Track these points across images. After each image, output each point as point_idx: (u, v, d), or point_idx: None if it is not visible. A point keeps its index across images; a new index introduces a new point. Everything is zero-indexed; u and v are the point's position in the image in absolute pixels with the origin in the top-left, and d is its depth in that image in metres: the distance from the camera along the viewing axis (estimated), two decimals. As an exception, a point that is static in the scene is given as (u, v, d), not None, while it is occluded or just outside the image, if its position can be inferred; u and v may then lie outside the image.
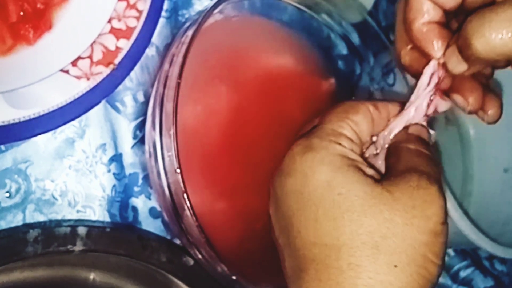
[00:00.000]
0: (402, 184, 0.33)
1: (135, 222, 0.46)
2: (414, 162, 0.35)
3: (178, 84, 0.38)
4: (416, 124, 0.39)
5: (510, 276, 0.65)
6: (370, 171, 0.35)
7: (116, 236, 0.40)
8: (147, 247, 0.41)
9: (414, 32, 0.36)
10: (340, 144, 0.36)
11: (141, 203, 0.47)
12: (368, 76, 0.52)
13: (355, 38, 0.50)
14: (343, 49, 0.51)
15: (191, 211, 0.38)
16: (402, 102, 0.39)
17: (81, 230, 0.39)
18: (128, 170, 0.46)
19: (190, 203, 0.38)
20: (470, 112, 0.38)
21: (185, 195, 0.38)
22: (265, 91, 0.46)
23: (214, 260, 0.39)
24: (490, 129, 0.63)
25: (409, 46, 0.38)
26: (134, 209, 0.46)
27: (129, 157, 0.46)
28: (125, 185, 0.46)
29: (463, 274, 0.63)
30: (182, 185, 0.38)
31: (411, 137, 0.38)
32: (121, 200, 0.46)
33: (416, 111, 0.39)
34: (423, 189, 0.33)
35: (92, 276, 0.41)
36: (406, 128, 0.38)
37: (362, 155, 0.37)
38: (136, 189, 0.47)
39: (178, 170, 0.38)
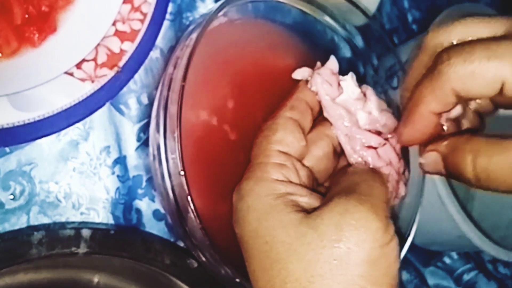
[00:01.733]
0: (328, 214, 0.31)
1: (139, 224, 0.46)
2: (347, 182, 0.34)
3: (183, 87, 0.38)
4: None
5: (513, 279, 0.64)
6: (306, 200, 0.34)
7: (120, 239, 0.40)
8: (150, 250, 0.41)
9: (418, 110, 0.35)
10: (268, 179, 0.34)
11: (145, 205, 0.47)
12: (372, 79, 0.52)
13: (359, 41, 0.50)
14: (347, 52, 0.51)
15: (195, 213, 0.38)
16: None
17: (85, 233, 0.39)
18: (132, 173, 0.46)
19: (194, 205, 0.38)
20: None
21: (189, 198, 0.38)
22: (269, 94, 0.46)
23: (218, 262, 0.39)
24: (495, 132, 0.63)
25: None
26: (138, 211, 0.46)
27: (133, 160, 0.47)
28: (129, 188, 0.46)
29: (466, 277, 0.63)
30: (186, 187, 0.38)
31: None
32: (125, 203, 0.46)
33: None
34: (350, 214, 0.31)
35: (96, 278, 0.41)
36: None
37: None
38: (140, 191, 0.47)
39: (182, 173, 0.38)
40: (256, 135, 0.37)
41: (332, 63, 0.40)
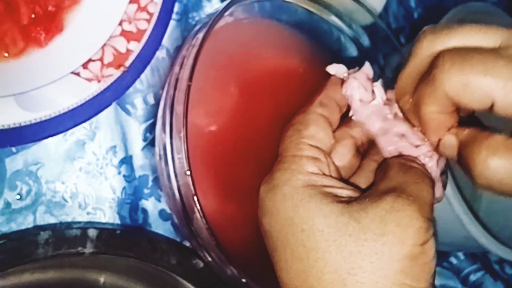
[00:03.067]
0: (373, 209, 0.31)
1: (145, 224, 0.46)
2: (398, 180, 0.33)
3: (189, 87, 0.38)
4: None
5: (520, 280, 0.64)
6: (343, 192, 0.33)
7: (126, 239, 0.40)
8: (157, 250, 0.41)
9: (420, 113, 0.35)
10: (303, 171, 0.34)
11: (151, 205, 0.47)
12: (378, 79, 0.52)
13: (365, 40, 0.50)
14: (353, 52, 0.51)
15: (201, 213, 0.38)
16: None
17: (92, 232, 0.39)
18: (138, 172, 0.46)
19: (200, 205, 0.38)
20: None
21: (195, 198, 0.38)
22: (275, 94, 0.46)
23: (224, 262, 0.39)
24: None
25: (409, 100, 0.36)
26: (144, 211, 0.46)
27: (139, 159, 0.47)
28: (135, 187, 0.46)
29: (473, 277, 0.63)
30: (192, 187, 0.38)
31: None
32: (131, 202, 0.46)
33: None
34: (396, 211, 0.31)
35: (102, 278, 0.41)
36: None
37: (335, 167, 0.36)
38: (146, 191, 0.47)
39: (188, 173, 0.38)
40: (285, 128, 0.37)
41: (368, 68, 0.40)
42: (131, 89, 0.45)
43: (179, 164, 0.39)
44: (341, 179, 0.37)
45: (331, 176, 0.35)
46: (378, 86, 0.39)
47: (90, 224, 0.43)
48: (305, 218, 0.32)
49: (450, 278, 0.62)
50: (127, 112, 0.46)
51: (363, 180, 0.37)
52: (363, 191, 0.34)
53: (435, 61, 0.33)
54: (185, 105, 0.38)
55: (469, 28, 0.33)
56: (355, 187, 0.36)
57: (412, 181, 0.33)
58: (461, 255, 0.63)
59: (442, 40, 0.33)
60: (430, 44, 0.34)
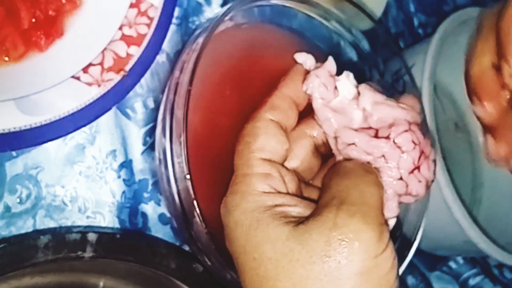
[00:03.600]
0: (317, 229, 0.30)
1: (145, 228, 0.46)
2: (338, 186, 0.32)
3: (189, 91, 0.38)
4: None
5: (519, 284, 0.64)
6: (295, 210, 0.32)
7: (126, 243, 0.40)
8: (156, 254, 0.41)
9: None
10: (253, 192, 0.32)
11: (151, 209, 0.47)
12: (378, 84, 0.52)
13: (365, 45, 0.50)
14: (353, 56, 0.51)
15: (200, 218, 0.38)
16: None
17: (91, 237, 0.39)
18: (138, 176, 0.46)
19: (199, 209, 0.38)
20: None
21: (194, 202, 0.38)
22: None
23: (223, 267, 0.39)
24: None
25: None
26: (144, 215, 0.46)
27: (139, 163, 0.47)
28: (135, 191, 0.46)
29: (472, 282, 0.62)
30: (191, 192, 0.38)
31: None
32: (131, 206, 0.46)
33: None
34: (339, 228, 0.29)
35: (101, 282, 0.41)
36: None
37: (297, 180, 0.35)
38: (145, 195, 0.47)
39: (188, 177, 0.38)
40: (237, 141, 0.35)
41: (330, 64, 0.38)
42: (131, 93, 0.45)
43: (179, 169, 0.39)
44: (301, 184, 0.36)
45: (284, 192, 0.34)
46: (342, 80, 0.38)
47: (90, 228, 0.43)
48: (255, 246, 0.31)
49: (450, 282, 0.62)
50: (127, 116, 0.46)
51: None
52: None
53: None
54: (185, 110, 0.38)
55: None
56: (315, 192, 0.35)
57: (352, 185, 0.32)
58: (460, 259, 0.63)
59: None
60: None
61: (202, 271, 0.42)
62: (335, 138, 0.37)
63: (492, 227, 0.54)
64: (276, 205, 0.32)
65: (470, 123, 0.66)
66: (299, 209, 0.32)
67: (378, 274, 0.30)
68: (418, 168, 0.36)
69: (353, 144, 0.36)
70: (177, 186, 0.39)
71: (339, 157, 0.37)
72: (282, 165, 0.35)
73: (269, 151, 0.34)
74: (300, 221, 0.31)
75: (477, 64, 0.36)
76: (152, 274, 0.40)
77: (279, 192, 0.33)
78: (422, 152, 0.36)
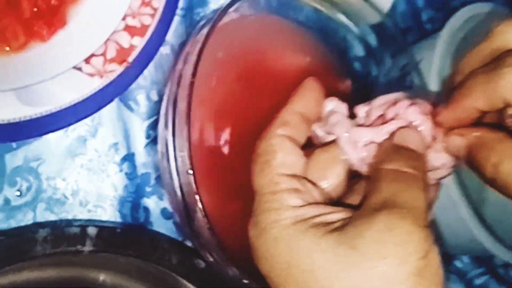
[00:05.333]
0: (368, 231, 0.29)
1: (147, 222, 0.46)
2: (388, 191, 0.31)
3: (192, 83, 0.37)
4: (404, 128, 0.35)
5: (525, 284, 0.63)
6: (334, 216, 0.32)
7: (126, 237, 0.39)
8: (157, 249, 0.40)
9: (461, 104, 0.34)
10: (287, 208, 0.32)
11: (153, 203, 0.46)
12: (385, 78, 0.51)
13: (372, 39, 0.49)
14: (360, 51, 0.50)
15: (203, 213, 0.37)
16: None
17: (91, 230, 0.38)
18: (140, 170, 0.46)
19: (202, 204, 0.37)
20: None
21: (196, 197, 0.37)
22: (280, 91, 0.45)
23: (225, 263, 0.39)
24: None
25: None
26: (146, 209, 0.46)
27: (142, 157, 0.46)
28: (137, 185, 0.45)
29: (477, 281, 0.62)
30: (194, 186, 0.37)
31: (392, 151, 0.34)
32: (133, 200, 0.45)
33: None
34: (391, 230, 0.29)
35: (101, 277, 0.40)
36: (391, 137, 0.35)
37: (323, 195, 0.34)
38: (148, 189, 0.46)
39: (191, 171, 0.37)
40: (253, 161, 0.35)
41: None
42: (134, 85, 0.45)
43: (181, 163, 0.38)
44: (328, 200, 0.35)
45: (316, 202, 0.33)
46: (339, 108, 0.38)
47: (91, 222, 0.42)
48: (303, 258, 0.30)
49: (455, 281, 0.61)
50: (130, 108, 0.46)
51: (357, 198, 0.35)
52: (357, 208, 0.32)
53: (504, 57, 0.32)
54: (188, 102, 0.37)
55: None
56: (347, 206, 0.34)
57: (403, 189, 0.31)
58: (466, 258, 0.62)
59: None
60: (507, 28, 0.32)
61: (204, 267, 0.41)
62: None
63: (498, 226, 0.54)
64: (314, 216, 0.32)
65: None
66: (337, 215, 0.32)
67: (430, 272, 0.30)
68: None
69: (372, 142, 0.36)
70: (179, 180, 0.39)
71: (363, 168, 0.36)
72: (307, 179, 0.35)
73: (290, 166, 0.33)
74: (344, 225, 0.31)
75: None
76: (153, 269, 0.40)
77: (312, 204, 0.33)
78: (436, 123, 0.36)
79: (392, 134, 0.35)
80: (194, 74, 0.38)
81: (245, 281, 0.39)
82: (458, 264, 0.62)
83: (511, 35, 0.32)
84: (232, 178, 0.43)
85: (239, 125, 0.43)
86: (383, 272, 0.29)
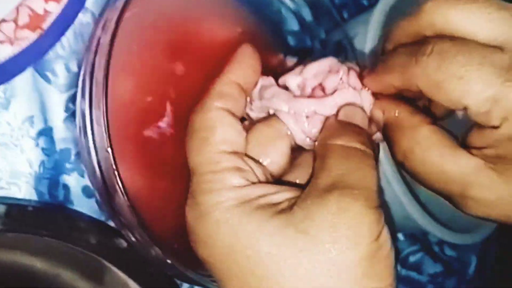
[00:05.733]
0: (319, 213, 0.28)
1: (67, 201, 0.43)
2: (338, 170, 0.29)
3: (110, 52, 0.35)
4: (349, 105, 0.34)
5: (459, 261, 0.64)
6: (280, 196, 0.30)
7: (39, 216, 0.36)
8: (74, 228, 0.38)
9: (381, 78, 0.34)
10: (229, 187, 0.30)
11: (74, 181, 0.43)
12: (319, 54, 0.50)
13: (307, 14, 0.48)
14: (294, 25, 0.49)
15: (122, 190, 0.35)
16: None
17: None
18: (59, 145, 0.43)
19: (121, 181, 0.35)
20: None
21: (116, 174, 0.35)
22: (209, 63, 0.43)
23: (148, 243, 0.37)
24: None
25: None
26: (66, 187, 0.43)
27: (61, 132, 0.43)
28: (56, 161, 0.43)
29: (412, 259, 0.62)
30: (112, 161, 0.35)
31: (339, 126, 0.33)
32: (51, 178, 0.42)
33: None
34: (343, 212, 0.28)
35: (13, 258, 0.37)
36: (336, 114, 0.34)
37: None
38: (68, 166, 0.43)
39: (108, 146, 0.35)
40: (188, 137, 0.32)
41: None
42: (51, 55, 0.42)
43: (99, 137, 0.36)
44: (271, 178, 0.33)
45: (259, 181, 0.31)
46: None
47: (2, 200, 0.39)
48: (248, 243, 0.28)
49: None
50: (46, 79, 0.43)
51: (301, 174, 0.34)
52: (304, 187, 0.31)
53: (424, 43, 0.31)
54: (105, 72, 0.35)
55: (478, 7, 0.30)
56: (291, 184, 0.33)
57: (354, 167, 0.30)
58: (400, 236, 0.62)
59: (447, 7, 0.31)
60: (434, 9, 0.31)
61: (126, 247, 0.39)
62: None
63: (433, 203, 0.53)
64: (259, 196, 0.30)
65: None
66: (283, 194, 0.30)
67: (382, 254, 0.28)
68: None
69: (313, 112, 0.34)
70: (97, 156, 0.36)
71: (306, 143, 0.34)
72: (248, 156, 0.32)
73: (231, 142, 0.31)
74: (291, 205, 0.29)
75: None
76: (70, 250, 0.37)
77: (255, 183, 0.31)
78: None
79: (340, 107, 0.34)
80: (112, 42, 0.35)
81: (169, 261, 0.37)
82: (392, 242, 0.61)
83: (438, 15, 0.31)
84: (157, 154, 0.41)
85: (165, 98, 0.41)
86: (334, 258, 0.27)
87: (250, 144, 0.33)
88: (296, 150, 0.35)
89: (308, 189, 0.30)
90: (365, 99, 0.35)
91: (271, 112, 0.35)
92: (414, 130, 0.32)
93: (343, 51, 0.49)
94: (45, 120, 0.42)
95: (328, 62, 0.36)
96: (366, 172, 0.30)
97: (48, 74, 0.43)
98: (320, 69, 0.36)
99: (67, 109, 0.43)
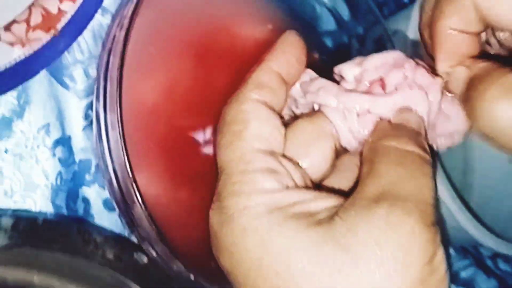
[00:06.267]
0: (364, 228, 0.24)
1: (87, 215, 0.40)
2: (389, 177, 0.26)
3: (124, 48, 0.33)
4: (407, 109, 0.29)
5: (516, 276, 0.60)
6: (319, 205, 0.26)
7: (51, 229, 0.34)
8: (89, 242, 0.35)
9: (436, 28, 0.30)
10: (261, 191, 0.26)
11: (94, 193, 0.41)
12: (357, 53, 0.47)
13: (343, 10, 0.45)
14: (330, 23, 0.45)
15: (139, 199, 0.33)
16: None
17: (5, 221, 0.33)
18: (78, 156, 0.41)
19: (139, 191, 0.33)
20: None
21: (132, 180, 0.32)
22: (235, 65, 0.40)
23: (169, 257, 0.34)
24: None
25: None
26: (85, 200, 0.41)
27: (80, 141, 0.41)
28: (74, 173, 0.40)
29: (463, 274, 0.58)
30: (128, 168, 0.32)
31: (392, 127, 0.29)
32: (69, 190, 0.40)
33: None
34: (393, 228, 0.24)
35: (14, 274, 0.35)
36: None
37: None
38: (88, 177, 0.41)
39: (123, 151, 0.32)
40: (218, 131, 0.29)
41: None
42: (69, 59, 0.40)
43: (114, 142, 0.33)
44: (310, 183, 0.30)
45: (296, 185, 0.27)
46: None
47: (13, 213, 0.37)
48: (278, 257, 0.25)
49: None
50: (64, 85, 0.40)
51: (344, 180, 0.30)
52: (346, 194, 0.27)
53: None
54: (119, 71, 0.32)
55: None
56: (332, 191, 0.29)
57: (408, 175, 0.26)
58: (450, 249, 0.57)
59: None
60: None
61: (146, 263, 0.36)
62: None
63: (485, 213, 0.50)
64: (294, 203, 0.26)
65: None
66: (323, 202, 0.26)
67: (435, 280, 0.25)
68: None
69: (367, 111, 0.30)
70: (112, 163, 0.34)
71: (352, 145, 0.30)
72: (284, 156, 0.29)
73: (266, 139, 0.28)
74: (332, 215, 0.25)
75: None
76: (85, 265, 0.34)
77: (291, 188, 0.27)
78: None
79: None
80: (126, 38, 0.33)
81: (192, 277, 0.34)
82: (441, 256, 0.58)
83: None
84: (181, 160, 0.38)
85: (187, 101, 0.38)
86: (379, 281, 0.23)
87: (289, 143, 0.29)
88: (341, 153, 0.31)
89: (353, 198, 0.26)
90: (434, 100, 0.30)
91: (316, 108, 0.31)
92: (506, 77, 0.28)
93: (383, 49, 0.46)
94: (63, 129, 0.40)
95: (393, 54, 0.32)
96: (423, 182, 0.26)
97: (66, 79, 0.40)
98: (383, 61, 0.32)
99: (86, 116, 0.41)
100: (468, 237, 0.46)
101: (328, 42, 0.46)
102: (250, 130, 0.28)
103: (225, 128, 0.28)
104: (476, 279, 0.58)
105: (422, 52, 0.48)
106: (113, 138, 0.33)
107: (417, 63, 0.31)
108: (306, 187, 0.28)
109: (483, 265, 0.59)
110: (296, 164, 0.29)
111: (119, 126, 0.32)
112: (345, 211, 0.25)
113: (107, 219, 0.41)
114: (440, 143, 0.31)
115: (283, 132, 0.29)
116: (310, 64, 0.45)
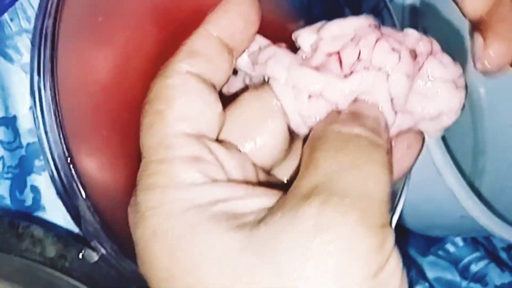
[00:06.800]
0: (289, 233, 0.20)
1: (36, 206, 0.37)
2: (328, 167, 0.21)
3: (56, 18, 0.28)
4: (364, 102, 0.24)
5: (532, 269, 0.58)
6: (249, 204, 0.21)
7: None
8: (24, 237, 0.30)
9: None
10: (179, 185, 0.21)
11: (45, 181, 0.36)
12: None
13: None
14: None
15: (79, 187, 0.28)
16: None
17: None
18: (25, 139, 0.37)
19: (77, 175, 0.28)
20: None
21: (70, 165, 0.28)
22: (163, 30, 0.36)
23: (118, 255, 0.29)
24: (506, 93, 0.56)
25: None
26: (35, 189, 0.36)
27: (27, 122, 0.37)
28: (21, 158, 0.36)
29: (475, 268, 0.55)
30: (65, 151, 0.28)
31: (344, 113, 0.24)
32: (14, 178, 0.36)
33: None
34: (324, 233, 0.19)
35: None
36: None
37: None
38: (37, 163, 0.37)
39: (59, 132, 0.28)
40: (142, 109, 0.24)
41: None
42: (13, 28, 0.36)
43: (50, 120, 0.29)
44: (255, 171, 0.24)
45: (227, 179, 0.22)
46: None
47: None
48: (190, 267, 0.20)
49: (447, 269, 0.55)
50: (7, 58, 0.36)
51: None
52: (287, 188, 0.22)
53: None
54: (52, 41, 0.28)
55: None
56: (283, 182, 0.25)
57: (351, 164, 0.21)
58: (459, 241, 0.56)
59: None
60: None
61: (96, 261, 0.31)
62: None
63: (497, 200, 0.49)
64: (218, 201, 0.21)
65: (469, 77, 0.59)
66: (255, 202, 0.21)
67: None
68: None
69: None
70: (48, 142, 0.29)
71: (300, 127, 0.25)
72: (218, 141, 0.24)
73: (195, 120, 0.23)
74: (260, 220, 0.21)
75: None
76: (19, 264, 0.30)
77: (218, 181, 0.22)
78: (415, 53, 0.25)
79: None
80: (58, 4, 0.29)
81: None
82: (450, 248, 0.56)
83: None
84: (134, 146, 0.33)
85: (148, 76, 0.34)
86: None
87: (230, 122, 0.24)
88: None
89: (286, 196, 0.21)
90: (398, 81, 0.25)
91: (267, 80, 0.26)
92: None
93: (379, 18, 0.42)
94: (6, 107, 0.36)
95: (355, 23, 0.26)
96: (369, 171, 0.21)
97: (9, 51, 0.37)
98: (341, 31, 0.26)
99: (35, 93, 0.36)
100: (479, 228, 0.43)
101: (320, 8, 0.42)
102: (175, 109, 0.22)
103: (147, 107, 0.23)
104: (489, 273, 0.55)
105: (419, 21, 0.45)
106: (47, 114, 0.29)
107: (385, 36, 0.25)
108: (244, 180, 0.23)
109: (496, 257, 0.57)
110: (235, 150, 0.24)
111: (54, 102, 0.28)
112: (272, 213, 0.21)
113: (61, 211, 0.36)
114: (428, 128, 0.26)
115: (218, 111, 0.24)
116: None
